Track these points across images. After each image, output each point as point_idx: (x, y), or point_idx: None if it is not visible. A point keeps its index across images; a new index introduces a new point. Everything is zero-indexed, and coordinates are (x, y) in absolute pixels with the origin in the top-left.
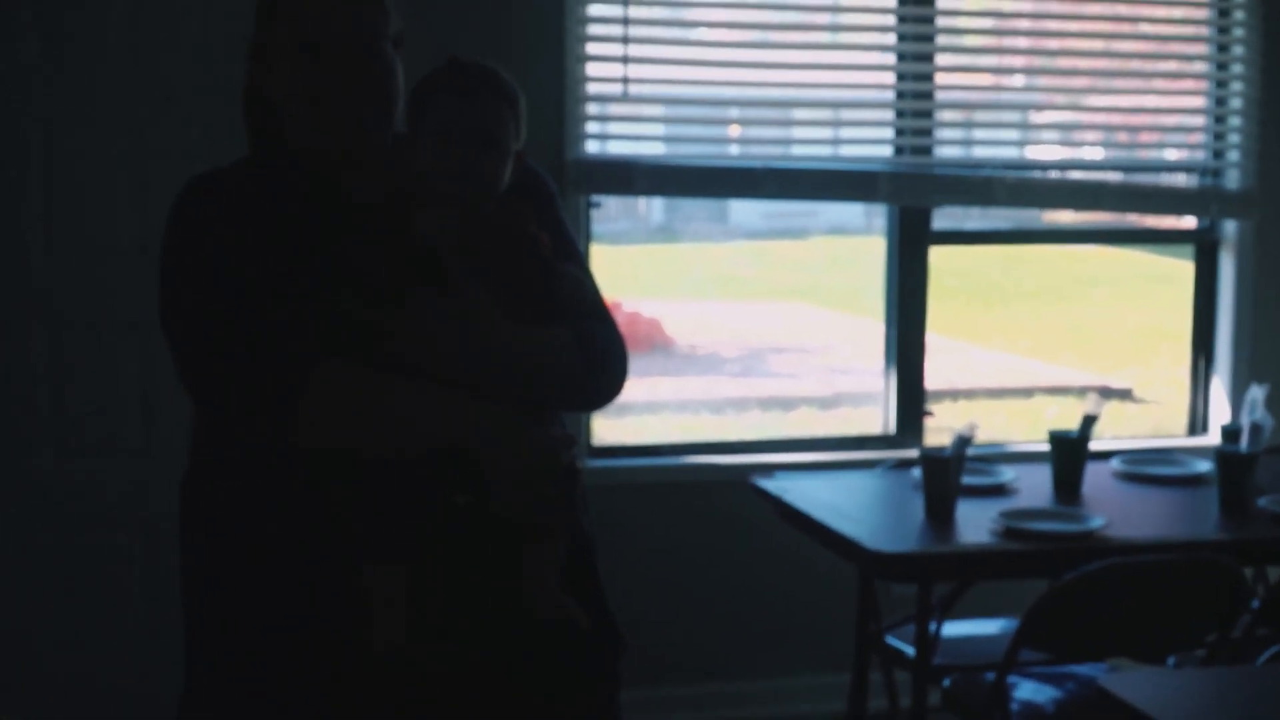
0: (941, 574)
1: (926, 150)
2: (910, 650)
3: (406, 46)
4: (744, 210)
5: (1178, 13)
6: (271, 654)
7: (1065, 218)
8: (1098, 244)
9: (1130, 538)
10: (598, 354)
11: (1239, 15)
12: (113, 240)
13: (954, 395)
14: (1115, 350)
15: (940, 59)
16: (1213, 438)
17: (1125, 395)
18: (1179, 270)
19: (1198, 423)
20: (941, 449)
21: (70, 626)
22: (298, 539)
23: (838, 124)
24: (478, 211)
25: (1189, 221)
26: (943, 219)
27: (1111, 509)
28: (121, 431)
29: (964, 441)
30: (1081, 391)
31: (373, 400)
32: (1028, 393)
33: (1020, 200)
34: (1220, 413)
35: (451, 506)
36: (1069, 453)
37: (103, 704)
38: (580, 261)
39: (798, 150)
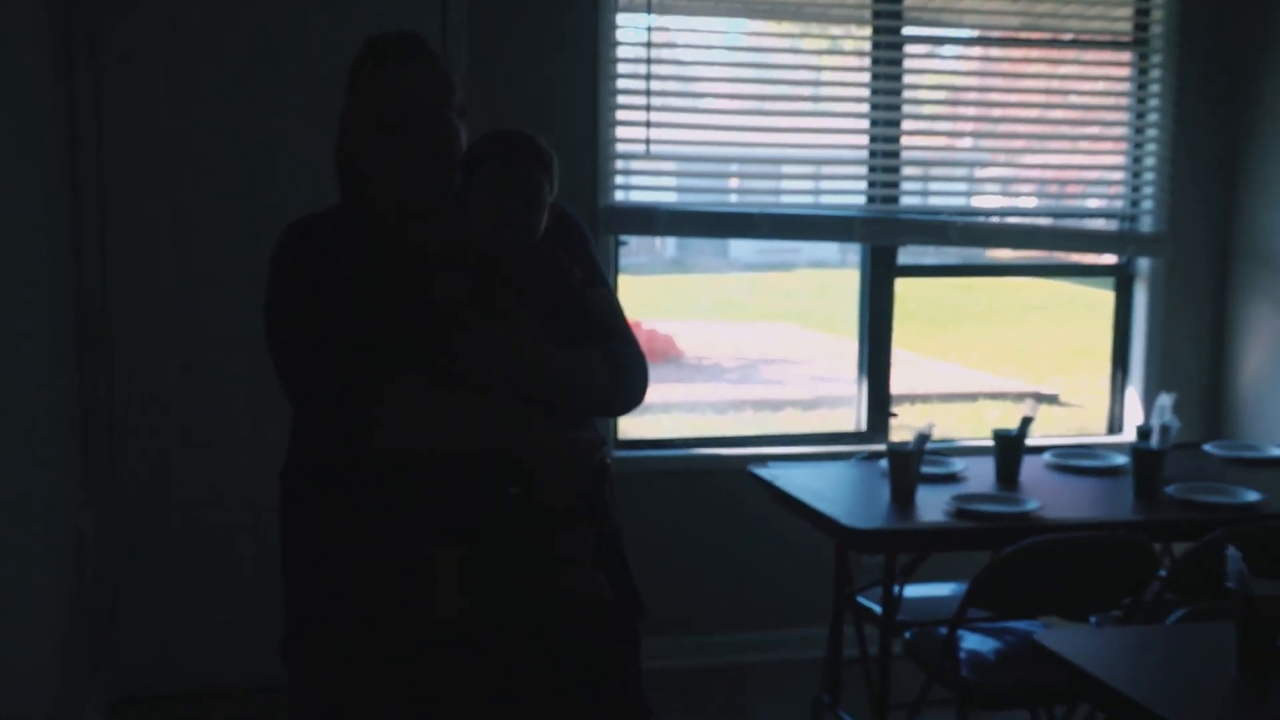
0: (904, 547)
1: (893, 199)
2: (878, 609)
3: (469, 113)
4: (742, 247)
5: (1100, 85)
6: (353, 614)
7: (1006, 254)
8: (1033, 276)
9: (1061, 518)
10: (623, 370)
11: (1154, 87)
12: (230, 273)
13: (914, 399)
14: (1047, 363)
15: (905, 124)
16: (1128, 436)
17: (1054, 400)
18: (1101, 298)
19: (1115, 423)
20: (904, 444)
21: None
22: (374, 523)
23: (819, 177)
24: (520, 253)
25: (1110, 258)
26: (906, 255)
27: (1044, 494)
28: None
29: (923, 438)
30: (1019, 397)
31: (437, 409)
32: (973, 397)
33: (970, 240)
34: (1134, 415)
35: (503, 497)
36: (1009, 448)
37: (222, 649)
38: (608, 291)
39: (786, 198)
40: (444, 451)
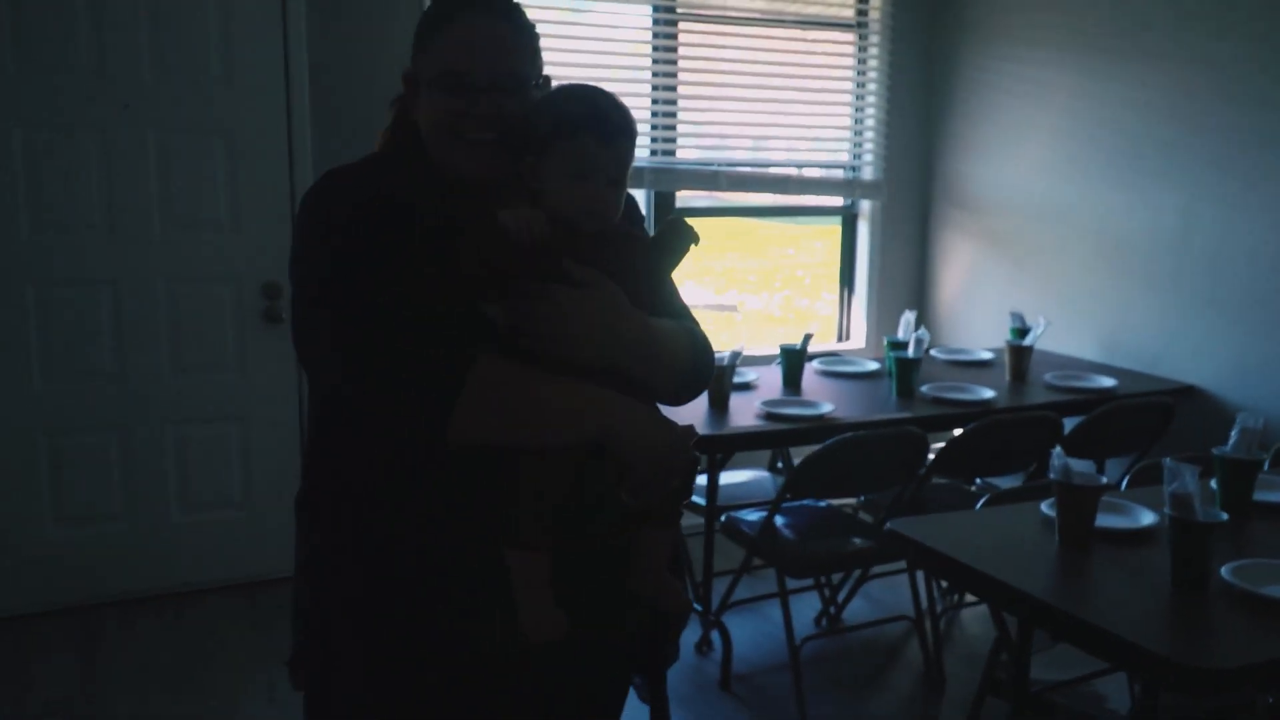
0: (726, 447)
1: (671, 153)
2: (702, 501)
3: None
4: None
5: (830, 60)
6: (410, 633)
7: (755, 199)
8: (781, 217)
9: (850, 418)
10: (702, 350)
11: (872, 62)
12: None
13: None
14: (786, 284)
15: (680, 89)
16: (854, 344)
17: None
18: (828, 232)
19: (843, 333)
20: (720, 357)
21: None
22: (443, 525)
23: None
24: (602, 234)
25: (838, 200)
26: (682, 200)
27: (828, 398)
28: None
29: (736, 355)
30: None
31: (523, 396)
32: (732, 309)
33: (735, 186)
34: (858, 327)
35: (595, 495)
36: (794, 360)
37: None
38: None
39: None
40: (528, 445)
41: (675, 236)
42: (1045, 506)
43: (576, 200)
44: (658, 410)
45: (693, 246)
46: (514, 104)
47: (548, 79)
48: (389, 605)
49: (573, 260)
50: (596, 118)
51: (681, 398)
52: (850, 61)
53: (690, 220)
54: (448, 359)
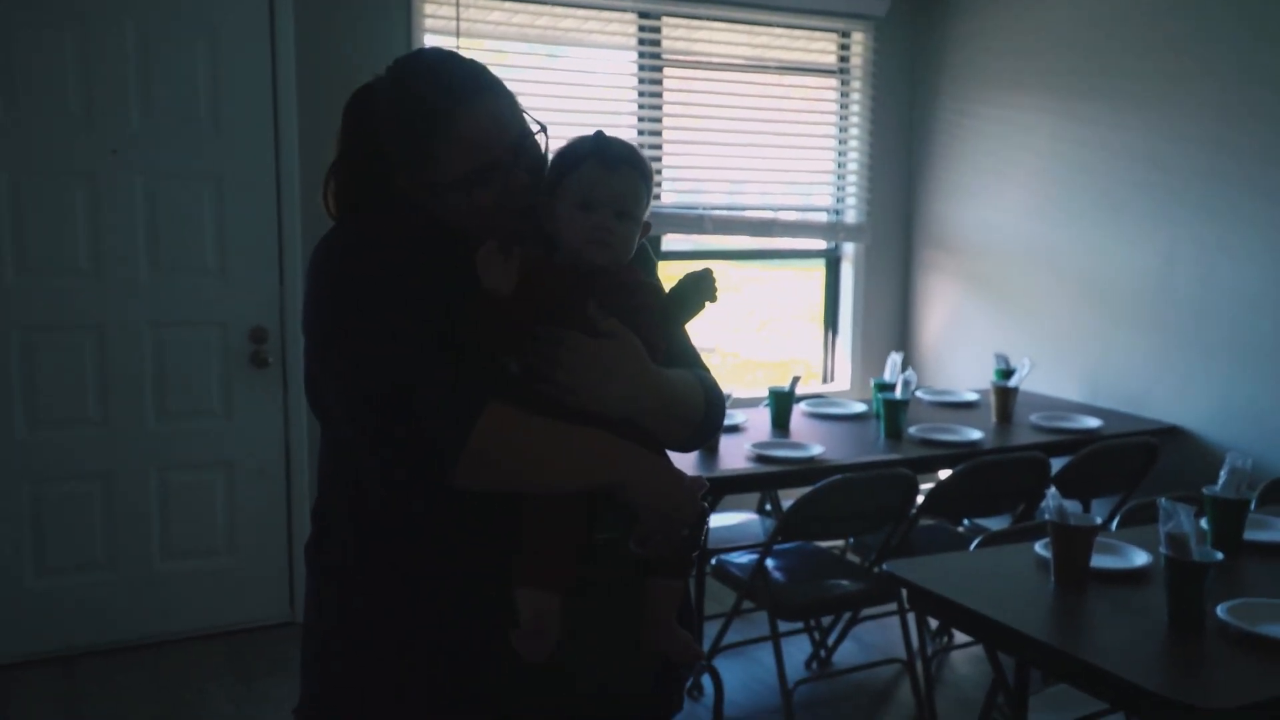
0: (716, 490)
1: (657, 197)
2: None
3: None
4: None
5: (813, 105)
6: (421, 662)
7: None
8: (764, 260)
9: (839, 460)
10: (714, 400)
11: (854, 108)
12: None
13: None
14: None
15: (666, 134)
16: (839, 385)
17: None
18: (807, 276)
19: (828, 375)
20: None
21: None
22: (454, 566)
23: None
24: (613, 274)
25: (821, 244)
26: (665, 245)
27: (816, 439)
28: None
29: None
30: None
31: (534, 442)
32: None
33: (719, 230)
34: (843, 369)
35: (598, 542)
36: (783, 401)
37: None
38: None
39: None
40: (537, 491)
41: (696, 291)
42: (1039, 547)
43: (583, 230)
44: (668, 460)
45: (708, 304)
46: (528, 166)
47: (542, 126)
48: (405, 649)
49: (597, 305)
50: (599, 146)
51: (690, 447)
52: (833, 106)
53: (673, 263)
54: (459, 402)
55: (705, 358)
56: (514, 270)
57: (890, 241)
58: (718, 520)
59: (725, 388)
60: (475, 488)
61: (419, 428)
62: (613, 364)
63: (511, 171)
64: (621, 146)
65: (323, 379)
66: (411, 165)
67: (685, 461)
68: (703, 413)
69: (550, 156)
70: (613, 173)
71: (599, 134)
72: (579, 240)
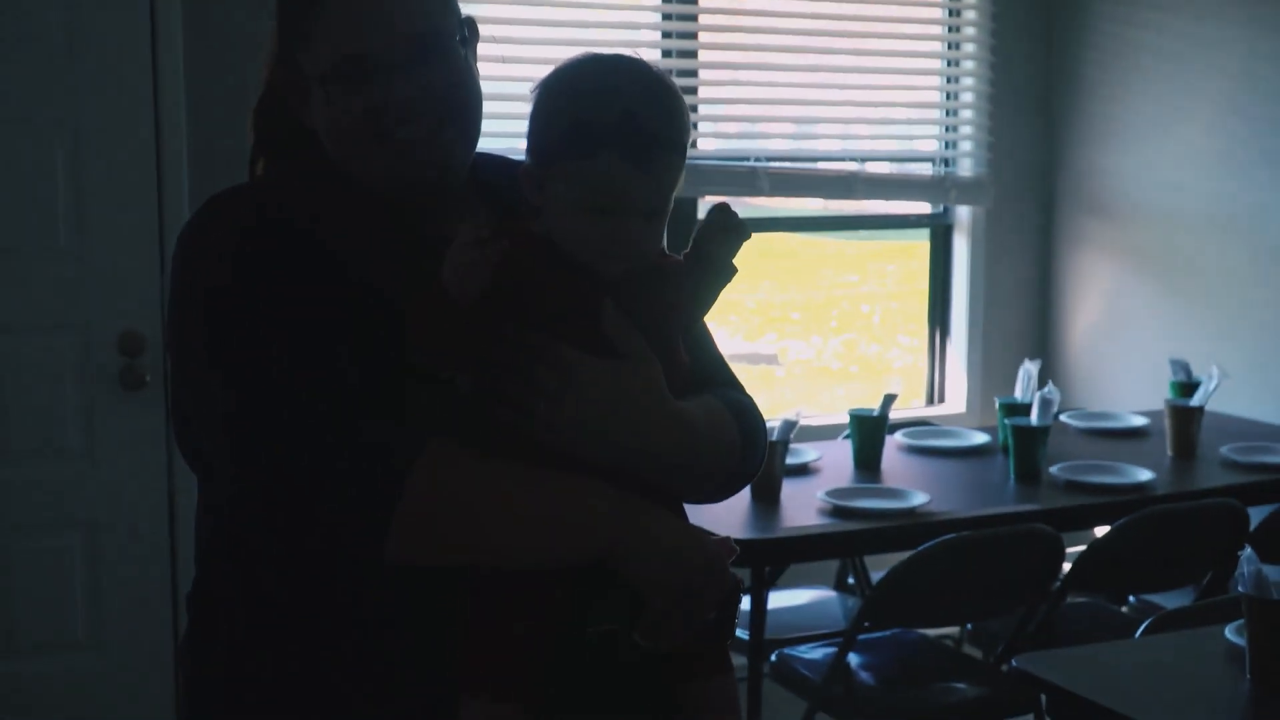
0: (777, 557)
1: (692, 144)
2: (744, 634)
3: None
4: None
5: (911, 12)
6: None
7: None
8: (842, 230)
9: (951, 512)
10: (751, 429)
11: (970, 15)
12: None
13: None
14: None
15: (702, 55)
16: (951, 408)
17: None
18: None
19: (936, 393)
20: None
21: None
22: (378, 658)
23: None
24: (634, 278)
25: (924, 207)
26: (703, 208)
27: (918, 483)
28: None
29: (790, 425)
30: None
31: (494, 505)
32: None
33: (781, 189)
34: (957, 383)
35: (588, 636)
36: (871, 431)
37: None
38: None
39: None
40: (500, 565)
41: (725, 241)
42: (1231, 632)
43: (597, 241)
44: (684, 516)
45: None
46: (442, 73)
47: (472, 22)
48: None
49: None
50: (627, 130)
51: (716, 497)
52: (939, 14)
53: None
54: (384, 449)
55: (769, 372)
56: (488, 274)
57: (1022, 204)
58: (780, 599)
59: (789, 411)
60: (415, 562)
61: (331, 482)
62: (621, 397)
63: (394, 79)
64: (653, 117)
65: (194, 416)
66: (288, 54)
67: (730, 512)
68: (737, 455)
69: (535, 91)
70: (644, 170)
71: (624, 94)
72: (590, 252)
